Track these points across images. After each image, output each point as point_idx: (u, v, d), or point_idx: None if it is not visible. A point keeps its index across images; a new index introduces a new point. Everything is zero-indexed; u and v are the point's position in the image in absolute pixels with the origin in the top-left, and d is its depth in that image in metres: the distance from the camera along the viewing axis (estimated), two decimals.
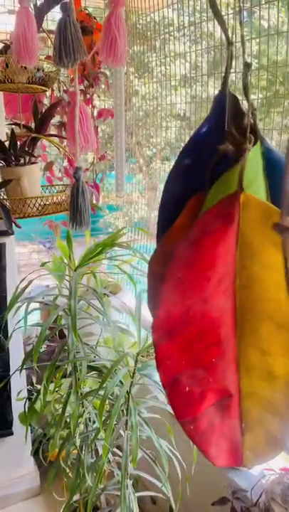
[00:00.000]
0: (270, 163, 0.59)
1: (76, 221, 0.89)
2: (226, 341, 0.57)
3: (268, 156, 0.59)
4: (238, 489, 1.47)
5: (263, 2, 1.69)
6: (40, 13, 1.00)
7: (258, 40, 1.71)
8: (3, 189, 1.37)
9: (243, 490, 1.46)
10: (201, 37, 2.06)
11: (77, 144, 0.86)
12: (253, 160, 0.59)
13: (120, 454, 1.54)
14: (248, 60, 0.64)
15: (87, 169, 2.14)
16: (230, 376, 0.58)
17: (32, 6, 0.85)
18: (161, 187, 2.42)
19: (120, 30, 0.83)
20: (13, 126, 1.56)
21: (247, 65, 0.63)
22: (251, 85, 1.81)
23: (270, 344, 0.57)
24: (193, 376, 0.58)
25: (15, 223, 1.87)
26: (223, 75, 0.65)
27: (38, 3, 0.96)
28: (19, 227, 1.85)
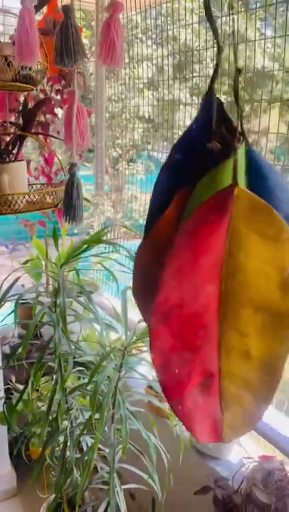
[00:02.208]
0: (252, 162, 0.64)
1: (70, 216, 0.92)
2: (210, 325, 0.61)
3: (250, 156, 0.64)
4: (219, 478, 1.52)
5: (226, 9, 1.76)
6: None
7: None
8: None
9: (224, 478, 1.52)
10: (167, 40, 2.12)
11: (73, 142, 0.89)
12: (239, 158, 0.64)
13: (104, 448, 1.57)
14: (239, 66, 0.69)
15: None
16: (212, 357, 0.63)
17: (33, 6, 0.87)
18: (128, 187, 2.45)
19: (118, 34, 0.86)
20: None
21: (238, 71, 0.67)
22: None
23: (248, 326, 0.61)
24: (182, 358, 0.62)
25: None
26: (210, 78, 0.69)
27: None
28: None
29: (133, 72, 2.25)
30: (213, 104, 0.64)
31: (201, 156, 0.63)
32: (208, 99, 0.65)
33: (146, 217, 0.71)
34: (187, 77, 2.03)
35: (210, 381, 0.63)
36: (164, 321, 0.61)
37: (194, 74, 1.97)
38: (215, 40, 0.60)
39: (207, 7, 0.58)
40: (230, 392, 0.64)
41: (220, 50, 0.60)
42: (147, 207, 0.72)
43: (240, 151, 0.62)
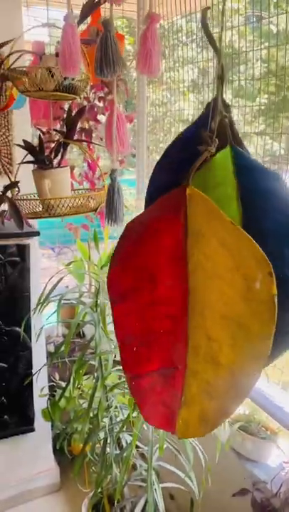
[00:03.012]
0: (241, 166, 0.65)
1: (112, 218, 0.96)
2: (177, 317, 0.62)
3: (238, 161, 0.65)
4: (257, 481, 1.52)
5: (272, 8, 1.75)
6: None
7: (266, 44, 1.77)
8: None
9: (262, 481, 1.51)
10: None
11: (114, 148, 0.93)
12: (222, 162, 0.65)
13: (142, 446, 1.60)
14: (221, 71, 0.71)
15: (105, 173, 2.21)
16: (178, 350, 0.63)
17: (75, 21, 0.93)
18: None
19: (155, 44, 0.89)
20: (40, 131, 1.63)
21: (220, 78, 0.70)
22: (259, 90, 1.87)
23: (216, 331, 0.60)
24: (142, 340, 0.64)
25: (27, 223, 1.93)
26: (216, 85, 0.71)
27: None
28: (29, 226, 1.91)
29: (175, 75, 2.28)
30: (211, 109, 0.67)
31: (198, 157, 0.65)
32: (210, 104, 0.67)
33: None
34: (231, 78, 2.04)
35: (173, 372, 0.64)
36: (122, 300, 0.64)
37: (239, 75, 1.97)
38: (216, 56, 0.63)
39: (204, 25, 0.61)
40: (192, 391, 0.63)
41: (221, 65, 0.62)
42: None
43: (224, 155, 0.64)
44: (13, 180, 1.40)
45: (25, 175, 1.39)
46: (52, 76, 1.35)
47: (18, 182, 1.40)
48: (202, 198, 0.58)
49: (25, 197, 1.44)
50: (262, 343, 0.58)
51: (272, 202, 0.65)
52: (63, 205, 1.27)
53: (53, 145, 1.48)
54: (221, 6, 1.97)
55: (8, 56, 1.39)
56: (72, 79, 1.37)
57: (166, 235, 0.60)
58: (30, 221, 1.91)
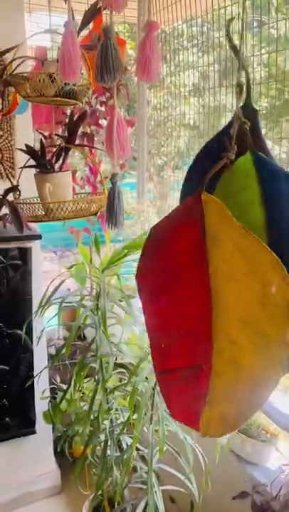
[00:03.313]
0: (262, 171, 0.67)
1: (112, 222, 0.98)
2: (202, 318, 0.63)
3: (259, 166, 0.67)
4: (257, 484, 1.52)
5: (274, 13, 1.77)
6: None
7: (267, 49, 1.78)
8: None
9: (262, 484, 1.52)
10: (213, 47, 2.14)
11: (114, 153, 0.94)
12: (244, 168, 0.67)
13: (142, 448, 1.61)
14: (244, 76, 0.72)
15: (106, 177, 2.23)
16: (204, 351, 0.64)
17: (75, 28, 0.94)
18: (172, 195, 2.49)
19: (154, 52, 0.91)
20: (42, 135, 1.65)
21: (239, 85, 0.71)
22: (260, 94, 1.88)
23: (236, 334, 0.61)
24: (170, 338, 0.67)
25: (27, 226, 1.94)
26: (235, 92, 0.72)
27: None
28: (29, 229, 1.93)
29: (176, 80, 2.30)
30: (237, 115, 0.68)
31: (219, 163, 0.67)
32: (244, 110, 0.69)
33: None
34: (233, 83, 2.05)
35: (198, 372, 0.65)
36: (152, 299, 0.68)
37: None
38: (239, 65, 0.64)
39: (228, 34, 0.63)
40: (216, 392, 0.64)
41: (247, 73, 0.64)
42: None
43: (245, 161, 0.66)
44: (15, 184, 1.42)
45: (27, 179, 1.40)
46: (53, 82, 1.37)
47: (17, 186, 1.42)
48: (216, 203, 0.60)
49: (27, 201, 1.46)
50: (278, 349, 0.59)
51: None
52: (62, 209, 1.29)
53: (54, 149, 1.50)
54: (222, 11, 2.00)
55: (10, 62, 1.41)
56: (74, 84, 1.39)
57: (188, 239, 0.63)
58: (33, 224, 1.93)
